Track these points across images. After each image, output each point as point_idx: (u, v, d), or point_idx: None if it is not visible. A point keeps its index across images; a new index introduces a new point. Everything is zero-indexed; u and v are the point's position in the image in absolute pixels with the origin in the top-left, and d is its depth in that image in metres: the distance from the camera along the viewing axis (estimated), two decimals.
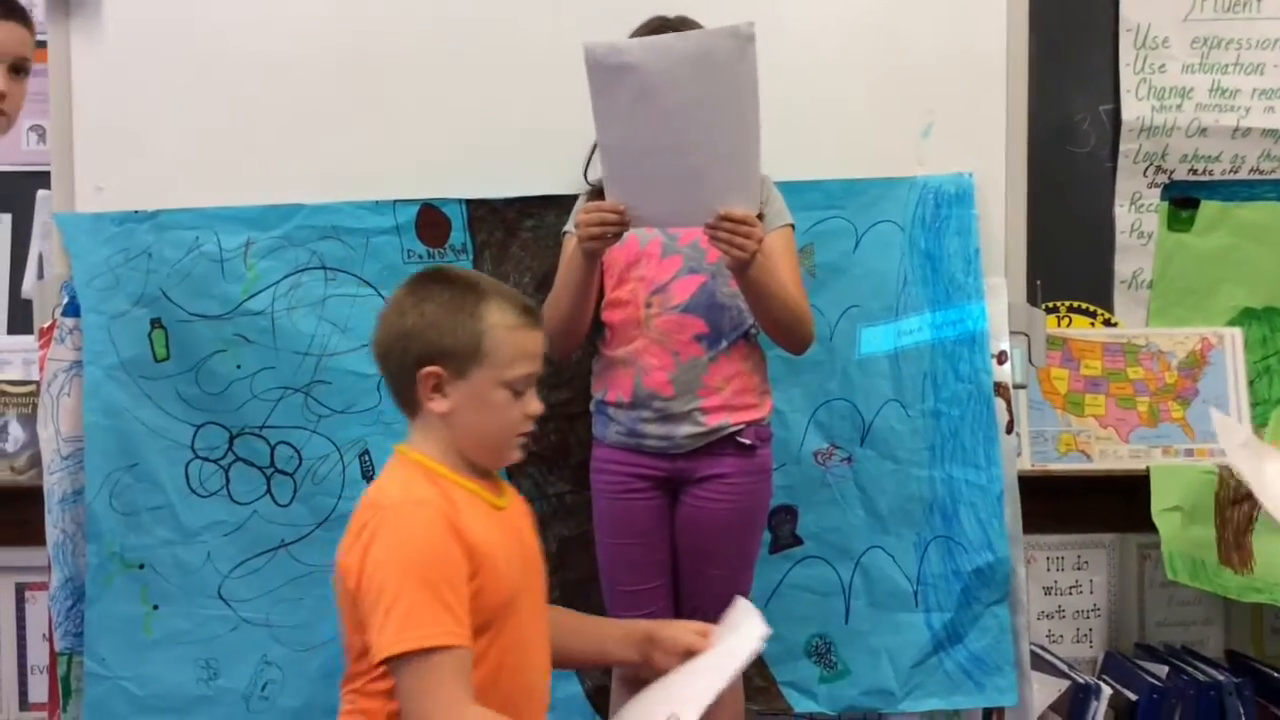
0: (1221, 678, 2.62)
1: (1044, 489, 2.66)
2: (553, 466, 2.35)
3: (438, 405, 1.57)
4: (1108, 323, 2.89)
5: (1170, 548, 2.67)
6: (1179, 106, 2.86)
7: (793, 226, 2.11)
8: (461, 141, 2.38)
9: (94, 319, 2.35)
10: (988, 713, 2.43)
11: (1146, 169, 2.88)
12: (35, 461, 2.57)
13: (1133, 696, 2.65)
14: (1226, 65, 2.86)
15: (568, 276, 2.04)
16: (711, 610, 2.09)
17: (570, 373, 2.29)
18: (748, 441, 2.07)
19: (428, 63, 2.40)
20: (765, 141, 1.87)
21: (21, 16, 2.04)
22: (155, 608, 2.37)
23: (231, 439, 2.37)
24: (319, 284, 2.37)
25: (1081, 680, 2.65)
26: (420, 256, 2.37)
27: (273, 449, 2.37)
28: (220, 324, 2.36)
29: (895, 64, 2.41)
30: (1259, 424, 2.82)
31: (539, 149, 2.35)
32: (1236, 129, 2.85)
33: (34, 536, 2.41)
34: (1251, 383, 2.84)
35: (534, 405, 1.63)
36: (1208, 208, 2.88)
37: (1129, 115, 2.85)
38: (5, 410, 2.67)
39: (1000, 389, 2.38)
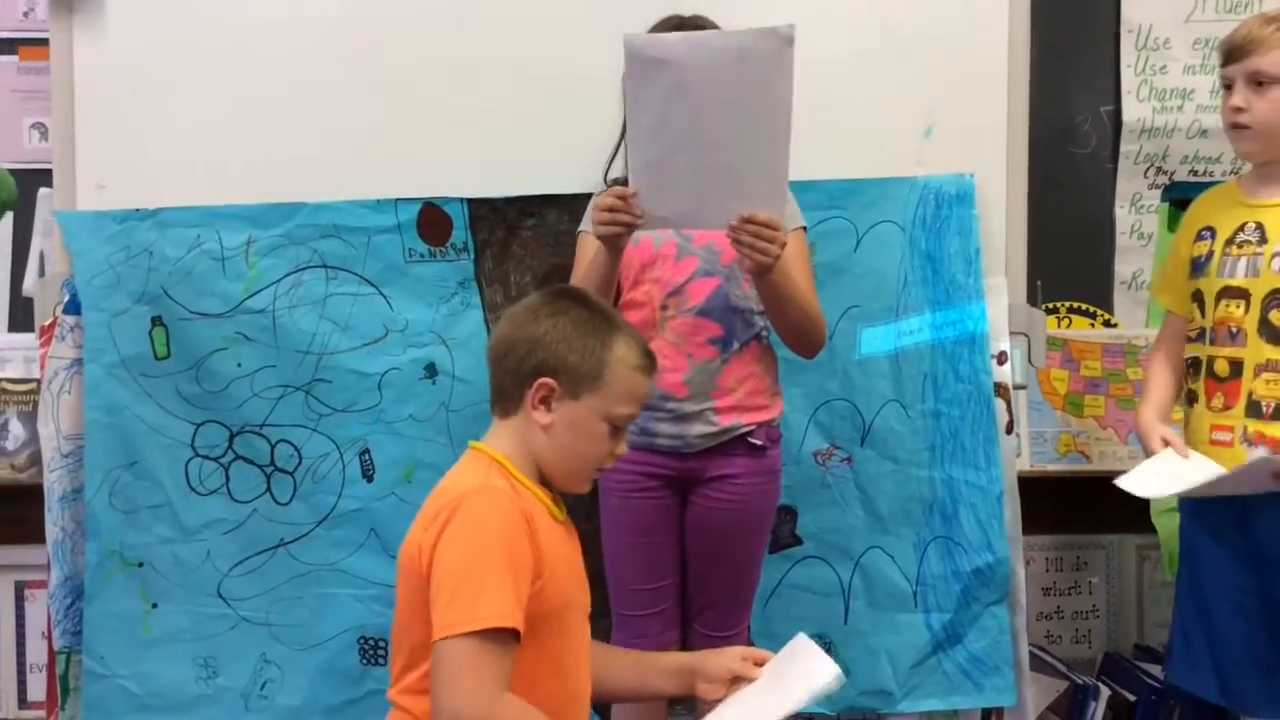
0: None
1: (1043, 490, 2.66)
2: None
3: (541, 417, 1.58)
4: (1108, 324, 2.89)
5: (1169, 549, 2.67)
6: (1180, 108, 2.85)
7: (805, 229, 2.12)
8: (463, 140, 2.39)
9: (95, 317, 2.35)
10: (986, 713, 2.44)
11: (1147, 170, 2.88)
12: (35, 459, 2.57)
13: (1131, 697, 2.65)
14: None
15: (591, 272, 2.00)
16: (719, 609, 2.11)
17: None
18: (759, 442, 2.07)
19: (429, 62, 2.40)
20: None
21: None
22: (154, 606, 2.37)
23: (232, 437, 2.37)
24: (320, 282, 2.37)
25: (1080, 681, 2.66)
26: (421, 255, 2.37)
27: (273, 447, 2.37)
28: (221, 322, 2.36)
29: (896, 65, 2.41)
30: None
31: (540, 148, 2.36)
32: None
33: (33, 534, 2.42)
34: None
35: (622, 447, 1.66)
36: None
37: (1130, 116, 2.85)
38: (6, 408, 2.67)
39: (1000, 389, 2.38)
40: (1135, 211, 2.88)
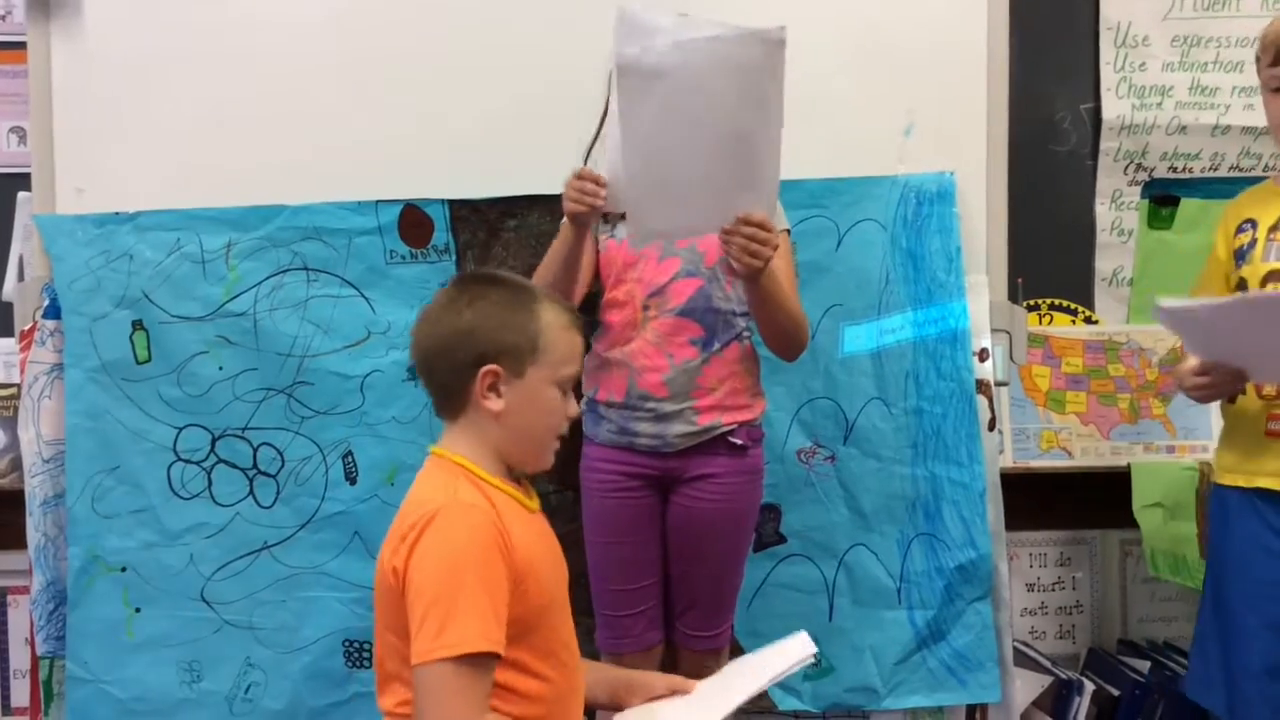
0: None
1: (1026, 486, 2.67)
2: None
3: (493, 404, 1.57)
4: (1089, 320, 2.91)
5: (1152, 544, 2.69)
6: (1159, 104, 2.87)
7: (789, 231, 2.12)
8: (444, 142, 2.38)
9: (75, 321, 2.34)
10: (971, 709, 2.44)
11: (1127, 167, 2.89)
12: (16, 465, 2.56)
13: (1115, 692, 2.66)
14: (1206, 63, 2.87)
15: (556, 246, 2.04)
16: (701, 609, 2.11)
17: None
18: (740, 441, 2.07)
19: (410, 63, 2.39)
20: None
21: None
22: (137, 610, 2.36)
23: (214, 441, 2.37)
24: (301, 285, 2.36)
25: (1064, 676, 2.67)
26: (403, 257, 2.37)
27: (255, 451, 2.37)
28: (202, 325, 2.35)
29: (877, 63, 2.41)
30: None
31: (521, 149, 2.35)
32: (1216, 127, 2.86)
33: (15, 540, 2.40)
34: None
35: (573, 407, 1.66)
36: (1188, 205, 2.90)
37: (1109, 113, 2.86)
38: None
39: (982, 386, 2.39)
40: (1115, 208, 2.90)
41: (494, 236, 2.38)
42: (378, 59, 2.39)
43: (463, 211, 2.37)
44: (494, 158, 2.37)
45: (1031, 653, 2.77)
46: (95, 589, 2.35)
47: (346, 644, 2.37)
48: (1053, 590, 2.92)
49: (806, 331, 2.11)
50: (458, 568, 1.46)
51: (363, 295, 2.36)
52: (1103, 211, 2.90)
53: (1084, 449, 2.83)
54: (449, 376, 1.59)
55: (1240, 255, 2.15)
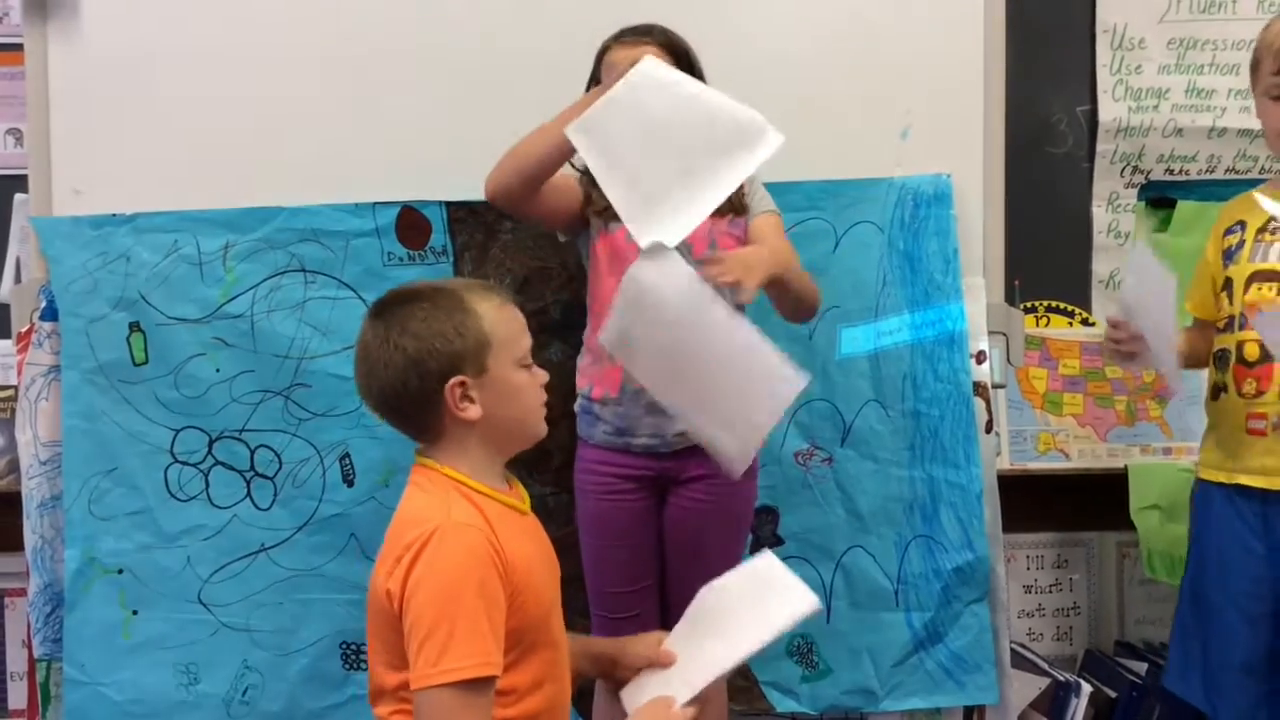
0: None
1: (1023, 488, 2.67)
2: (534, 469, 2.35)
3: (470, 412, 1.56)
4: (1085, 322, 2.91)
5: (1149, 546, 2.70)
6: (1155, 107, 2.87)
7: (779, 214, 2.13)
8: (442, 143, 2.38)
9: (72, 323, 2.34)
10: (969, 711, 2.44)
11: (1123, 169, 2.89)
12: (13, 467, 2.55)
13: (1112, 694, 2.67)
14: (1203, 66, 2.88)
15: (539, 141, 2.02)
16: None
17: (551, 377, 2.28)
18: None
19: (407, 65, 2.39)
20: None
21: None
22: (134, 613, 2.36)
23: (211, 443, 2.36)
24: (298, 287, 2.36)
25: (1062, 678, 2.67)
26: (400, 259, 2.36)
27: (253, 453, 2.36)
28: (199, 327, 2.35)
29: (873, 66, 2.42)
30: None
31: None
32: (1213, 129, 2.87)
33: (12, 542, 2.40)
34: None
35: (541, 374, 1.66)
36: (1184, 208, 2.90)
37: (1106, 116, 2.87)
38: None
39: (979, 388, 2.39)
40: (1112, 211, 2.90)
41: (491, 238, 2.38)
42: (375, 61, 2.39)
43: (460, 213, 2.37)
44: (492, 159, 2.35)
45: (1029, 654, 2.77)
46: (92, 591, 2.35)
47: (344, 646, 2.37)
48: (1050, 592, 2.92)
49: (818, 295, 2.12)
50: (455, 592, 1.45)
51: (360, 297, 2.35)
52: (1099, 213, 2.90)
53: (1081, 451, 2.84)
54: (417, 407, 1.58)
55: (1228, 256, 2.17)
